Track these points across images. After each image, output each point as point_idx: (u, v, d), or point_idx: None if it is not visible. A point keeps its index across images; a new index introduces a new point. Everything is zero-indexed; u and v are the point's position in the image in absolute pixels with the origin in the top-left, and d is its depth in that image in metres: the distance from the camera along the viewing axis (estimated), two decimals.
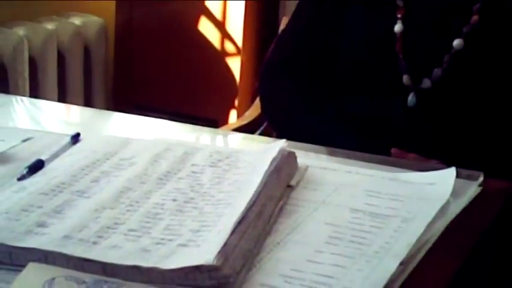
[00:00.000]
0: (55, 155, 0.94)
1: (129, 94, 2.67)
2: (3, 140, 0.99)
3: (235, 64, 2.50)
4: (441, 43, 1.23)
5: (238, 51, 2.49)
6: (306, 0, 1.39)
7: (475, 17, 1.23)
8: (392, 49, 1.25)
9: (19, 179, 0.88)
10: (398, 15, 1.27)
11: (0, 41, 2.18)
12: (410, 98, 1.24)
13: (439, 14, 1.26)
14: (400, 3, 1.28)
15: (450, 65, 1.22)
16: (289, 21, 1.42)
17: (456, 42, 1.22)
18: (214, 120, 2.49)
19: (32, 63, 2.29)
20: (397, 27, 1.26)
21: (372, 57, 1.28)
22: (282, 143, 0.94)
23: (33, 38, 2.28)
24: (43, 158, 0.93)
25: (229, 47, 2.50)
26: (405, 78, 1.24)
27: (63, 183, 0.86)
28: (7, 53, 2.20)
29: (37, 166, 0.91)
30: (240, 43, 2.48)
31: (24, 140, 0.99)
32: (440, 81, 1.22)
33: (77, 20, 2.46)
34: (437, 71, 1.23)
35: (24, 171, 0.89)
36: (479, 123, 1.23)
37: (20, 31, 2.26)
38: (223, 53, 2.52)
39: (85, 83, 2.51)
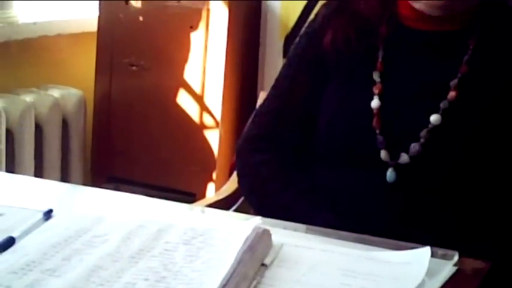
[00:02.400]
0: (26, 232, 0.93)
1: (106, 166, 2.66)
2: None
3: (213, 137, 2.51)
4: (418, 118, 1.24)
5: (217, 125, 2.50)
6: (284, 76, 1.40)
7: (452, 93, 1.24)
8: (369, 124, 1.26)
9: None
10: (375, 91, 1.28)
11: None
12: (389, 173, 1.23)
13: (416, 90, 1.27)
14: (377, 79, 1.29)
15: (428, 140, 1.23)
16: (267, 95, 1.43)
17: (433, 118, 1.23)
18: (192, 194, 2.48)
19: (9, 135, 2.28)
20: (374, 103, 1.27)
21: (349, 132, 1.28)
22: (256, 221, 0.93)
23: (11, 110, 2.28)
24: (14, 235, 0.91)
25: (207, 120, 2.51)
26: (383, 154, 1.24)
27: (33, 262, 0.85)
28: None
29: (8, 243, 0.89)
30: (218, 116, 2.49)
31: None
32: (418, 156, 1.22)
33: (55, 92, 2.47)
34: (414, 146, 1.23)
35: None
36: (457, 198, 1.22)
37: None
38: (202, 126, 2.52)
39: (62, 155, 2.50)
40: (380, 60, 1.30)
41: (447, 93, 1.25)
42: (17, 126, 2.29)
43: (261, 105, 1.44)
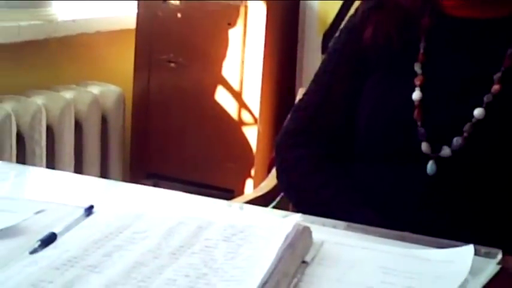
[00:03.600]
0: (68, 228, 0.94)
1: (145, 163, 2.67)
2: (16, 212, 0.98)
3: (252, 134, 2.50)
4: (461, 111, 1.23)
5: (255, 121, 2.49)
6: (324, 71, 1.40)
7: (496, 87, 1.22)
8: (411, 116, 1.25)
9: (31, 253, 0.87)
10: (417, 83, 1.26)
11: (18, 110, 2.20)
12: (430, 166, 1.22)
13: (458, 83, 1.25)
14: (418, 70, 1.27)
15: (471, 134, 1.21)
16: (307, 90, 1.42)
17: (477, 112, 1.21)
18: (231, 190, 2.48)
19: (50, 132, 2.30)
20: (415, 95, 1.25)
21: (390, 125, 1.27)
22: (296, 218, 0.93)
23: (51, 107, 2.30)
24: (55, 231, 0.92)
25: (246, 116, 2.51)
26: (424, 146, 1.22)
27: (75, 258, 0.85)
28: (25, 122, 2.21)
29: (49, 239, 0.90)
30: (257, 113, 2.49)
31: (37, 212, 0.99)
32: (460, 150, 1.21)
33: (95, 89, 2.49)
34: (457, 140, 1.21)
35: (36, 245, 0.88)
36: (500, 193, 1.20)
37: (38, 100, 2.28)
38: (240, 123, 2.52)
39: (101, 151, 2.52)
40: (422, 51, 1.29)
41: (490, 86, 1.23)
42: (57, 123, 2.32)
43: (301, 100, 1.43)
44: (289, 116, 1.44)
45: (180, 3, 2.53)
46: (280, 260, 0.84)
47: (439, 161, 1.21)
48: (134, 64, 2.63)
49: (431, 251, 0.93)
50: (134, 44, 2.61)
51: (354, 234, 1.01)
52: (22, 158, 2.22)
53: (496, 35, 1.26)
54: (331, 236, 0.97)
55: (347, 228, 1.03)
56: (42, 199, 1.06)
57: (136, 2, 2.57)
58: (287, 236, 0.88)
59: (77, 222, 0.96)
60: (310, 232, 0.93)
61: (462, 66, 1.26)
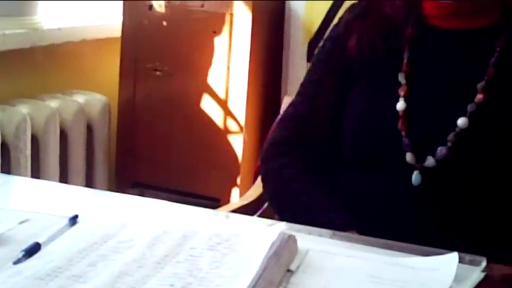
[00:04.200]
0: (52, 238, 0.93)
1: (131, 172, 2.67)
2: (0, 222, 0.98)
3: (237, 142, 2.50)
4: (445, 121, 1.23)
5: (241, 129, 2.49)
6: (310, 81, 1.40)
7: (479, 96, 1.23)
8: (395, 127, 1.25)
9: (15, 263, 0.87)
10: (401, 93, 1.26)
11: (3, 119, 2.19)
12: (415, 177, 1.22)
13: (442, 92, 1.26)
14: (402, 80, 1.28)
15: (455, 143, 1.21)
16: (292, 101, 1.42)
17: (461, 121, 1.22)
18: (217, 199, 2.48)
19: (34, 141, 2.29)
20: (400, 105, 1.25)
21: (375, 135, 1.27)
22: (282, 226, 0.93)
23: (36, 116, 2.29)
24: (40, 241, 0.91)
25: (231, 125, 2.51)
26: (408, 156, 1.23)
27: (59, 268, 0.85)
28: (10, 131, 2.20)
29: (33, 249, 0.90)
30: (242, 121, 2.49)
31: (21, 222, 0.99)
32: (445, 160, 1.21)
33: (80, 98, 2.48)
34: (441, 150, 1.21)
35: (20, 255, 0.88)
36: (485, 202, 1.21)
37: (23, 109, 2.27)
38: (226, 131, 2.52)
39: (87, 160, 2.51)
40: (405, 61, 1.29)
41: (474, 95, 1.23)
42: (42, 132, 2.30)
43: (286, 111, 1.44)
44: (274, 125, 1.44)
45: (166, 10, 2.53)
46: (265, 269, 0.84)
47: (424, 171, 1.22)
48: (120, 72, 2.62)
49: (416, 258, 0.93)
50: (119, 53, 2.60)
51: (339, 242, 1.01)
52: (7, 167, 2.20)
53: (478, 45, 1.27)
54: (316, 244, 0.97)
55: (332, 237, 1.03)
56: (27, 209, 1.06)
57: (121, 10, 2.57)
58: (272, 245, 0.88)
59: (61, 232, 0.96)
60: (295, 240, 0.93)
61: (446, 76, 1.27)
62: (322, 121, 1.36)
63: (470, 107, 1.22)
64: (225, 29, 2.46)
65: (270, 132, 1.46)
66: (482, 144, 1.21)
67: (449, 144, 1.21)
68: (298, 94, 1.41)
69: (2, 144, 2.18)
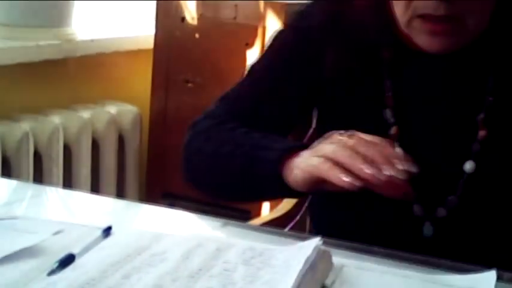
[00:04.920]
0: (86, 249, 0.93)
1: (162, 183, 2.67)
2: (34, 233, 0.98)
3: None
4: (450, 167, 1.12)
5: None
6: (266, 71, 1.27)
7: (482, 133, 1.11)
8: None
9: (49, 274, 0.87)
10: (393, 136, 1.12)
11: (36, 129, 2.21)
12: (426, 228, 1.13)
13: (440, 131, 1.13)
14: (390, 119, 1.13)
15: (464, 190, 1.11)
16: (238, 88, 1.32)
17: (468, 166, 1.11)
18: (247, 211, 2.47)
19: (67, 151, 2.30)
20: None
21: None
22: (316, 241, 0.92)
23: (69, 126, 2.30)
24: (74, 252, 0.91)
25: None
26: (416, 208, 1.13)
27: (93, 280, 0.84)
28: (42, 141, 2.22)
29: (68, 260, 0.89)
30: None
31: (56, 233, 0.99)
32: (456, 208, 1.12)
33: (112, 109, 2.49)
34: (452, 199, 1.12)
35: (55, 266, 0.88)
36: (499, 242, 1.14)
37: (56, 119, 2.28)
38: None
39: (118, 171, 2.52)
40: (389, 94, 1.14)
41: (475, 131, 1.12)
42: (74, 142, 2.32)
43: (232, 93, 1.32)
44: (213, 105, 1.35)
45: (198, 22, 2.54)
46: (300, 284, 0.83)
47: (435, 221, 1.14)
48: (152, 84, 2.63)
49: (453, 276, 0.92)
50: (151, 64, 2.61)
51: (375, 258, 0.99)
52: (39, 177, 2.22)
53: (470, 66, 1.13)
54: (351, 259, 0.96)
55: (367, 252, 1.02)
56: (60, 219, 1.06)
57: (154, 22, 2.58)
58: (307, 259, 0.87)
59: (95, 243, 0.95)
60: (330, 256, 0.92)
61: (439, 110, 1.13)
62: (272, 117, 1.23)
63: (474, 147, 1.12)
64: (258, 42, 2.46)
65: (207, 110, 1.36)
66: (493, 185, 1.13)
67: (458, 192, 1.12)
68: (248, 85, 1.30)
69: (35, 153, 2.19)
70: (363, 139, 1.01)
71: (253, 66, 1.31)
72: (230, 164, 1.15)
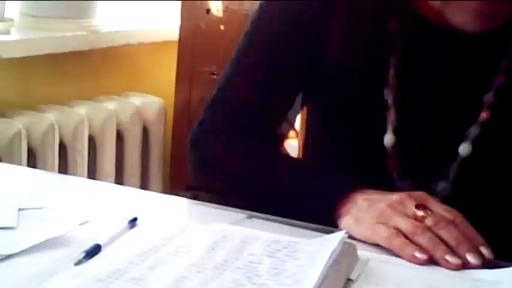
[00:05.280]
0: (112, 240, 0.94)
1: (185, 175, 2.67)
2: (61, 223, 0.99)
3: (292, 147, 2.49)
4: (444, 150, 1.05)
5: (296, 135, 2.48)
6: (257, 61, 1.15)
7: (484, 114, 1.03)
8: (383, 169, 1.06)
9: (76, 264, 0.87)
10: (389, 121, 1.04)
11: (61, 120, 2.22)
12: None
13: (441, 113, 1.05)
14: (389, 100, 1.04)
15: (457, 175, 1.05)
16: (228, 81, 1.22)
17: (462, 148, 1.04)
18: None
19: (92, 142, 2.31)
20: (388, 139, 1.05)
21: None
22: (342, 234, 0.91)
23: (94, 117, 2.31)
24: (100, 242, 0.92)
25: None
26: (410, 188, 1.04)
27: (119, 270, 0.85)
28: (68, 132, 2.23)
29: (94, 251, 0.90)
30: (298, 126, 2.48)
31: (82, 223, 0.99)
32: (449, 196, 1.05)
33: (136, 100, 2.50)
34: (444, 187, 1.06)
35: (81, 256, 0.88)
36: (494, 232, 1.03)
37: (81, 110, 2.29)
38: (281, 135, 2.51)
39: (142, 162, 2.53)
40: (392, 72, 1.05)
41: (477, 113, 1.04)
42: (99, 133, 2.33)
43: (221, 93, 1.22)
44: (207, 109, 1.25)
45: (223, 14, 2.54)
46: (325, 278, 0.82)
47: None
48: (176, 76, 2.63)
49: (479, 271, 0.91)
50: (176, 56, 2.62)
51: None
52: (64, 168, 2.23)
53: (488, 48, 1.05)
54: (377, 253, 0.95)
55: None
56: (85, 210, 1.06)
57: (179, 13, 2.58)
58: (332, 253, 0.87)
59: (121, 234, 0.96)
60: (355, 249, 0.92)
61: (445, 90, 1.05)
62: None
63: (473, 129, 1.04)
64: None
65: (202, 117, 1.27)
66: (487, 171, 1.06)
67: (451, 177, 1.05)
68: (239, 74, 1.18)
69: (60, 144, 2.21)
70: (443, 219, 0.92)
71: (240, 55, 1.19)
72: (268, 202, 1.08)
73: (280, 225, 1.06)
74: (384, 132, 1.05)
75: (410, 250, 0.92)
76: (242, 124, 1.14)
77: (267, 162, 1.08)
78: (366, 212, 0.98)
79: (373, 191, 1.00)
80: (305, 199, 1.03)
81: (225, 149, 1.14)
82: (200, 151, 1.20)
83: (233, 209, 1.13)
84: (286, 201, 1.05)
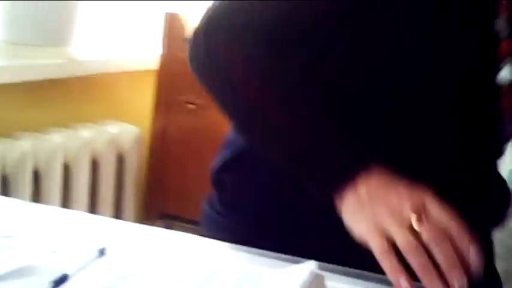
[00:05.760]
0: (80, 269, 0.93)
1: (160, 203, 2.67)
2: (28, 252, 0.98)
3: None
4: None
5: None
6: None
7: None
8: (496, 111, 0.89)
9: None
10: (503, 55, 0.85)
11: (35, 147, 2.21)
12: None
13: None
14: (504, 32, 0.85)
15: None
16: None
17: None
18: None
19: (66, 170, 2.31)
20: (505, 74, 0.87)
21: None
22: (311, 265, 0.91)
23: (69, 145, 2.31)
24: (68, 272, 0.91)
25: None
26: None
27: None
28: (42, 160, 2.22)
29: (61, 280, 0.89)
30: None
31: (50, 253, 0.99)
32: None
33: (112, 129, 2.50)
34: None
35: (49, 286, 0.88)
36: None
37: (56, 138, 2.29)
38: None
39: (116, 190, 2.52)
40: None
41: None
42: (74, 161, 2.32)
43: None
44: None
45: None
46: None
47: None
48: (153, 104, 2.64)
49: None
50: (153, 85, 2.62)
51: (367, 283, 0.99)
52: (37, 196, 2.22)
53: None
54: (344, 284, 0.95)
55: (360, 277, 1.02)
56: (55, 239, 1.06)
57: (161, 43, 2.59)
58: (302, 284, 0.87)
59: (89, 263, 0.95)
60: (323, 279, 0.92)
61: None
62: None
63: None
64: None
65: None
66: None
67: None
68: None
69: (34, 172, 2.20)
70: (439, 233, 0.87)
71: None
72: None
73: (250, 254, 1.06)
74: (496, 68, 0.87)
75: (398, 277, 0.87)
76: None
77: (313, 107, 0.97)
78: (364, 209, 0.93)
79: (378, 178, 0.92)
80: (316, 160, 0.96)
81: (276, 64, 0.98)
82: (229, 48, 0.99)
83: (205, 238, 1.13)
84: (297, 145, 0.97)
